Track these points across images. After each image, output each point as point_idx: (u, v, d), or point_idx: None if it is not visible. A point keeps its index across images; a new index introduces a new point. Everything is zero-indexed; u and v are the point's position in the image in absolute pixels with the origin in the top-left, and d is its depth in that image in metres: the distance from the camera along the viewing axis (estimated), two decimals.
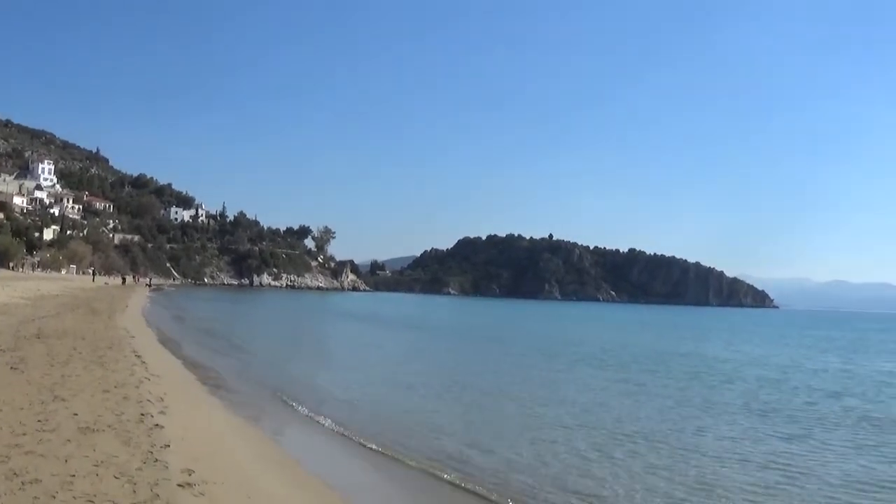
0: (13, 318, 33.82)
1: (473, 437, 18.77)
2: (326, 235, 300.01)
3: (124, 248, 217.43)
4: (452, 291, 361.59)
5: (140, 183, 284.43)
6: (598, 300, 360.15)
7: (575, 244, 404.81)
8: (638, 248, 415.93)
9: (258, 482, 11.86)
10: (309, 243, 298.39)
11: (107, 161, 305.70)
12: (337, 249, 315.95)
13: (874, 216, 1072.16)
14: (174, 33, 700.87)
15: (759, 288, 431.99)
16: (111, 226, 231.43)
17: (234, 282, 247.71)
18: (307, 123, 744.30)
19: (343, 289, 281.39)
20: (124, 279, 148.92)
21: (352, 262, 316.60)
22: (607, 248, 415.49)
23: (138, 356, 23.98)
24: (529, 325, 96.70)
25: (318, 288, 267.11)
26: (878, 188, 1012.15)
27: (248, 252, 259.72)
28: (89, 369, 19.11)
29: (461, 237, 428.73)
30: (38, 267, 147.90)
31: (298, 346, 48.44)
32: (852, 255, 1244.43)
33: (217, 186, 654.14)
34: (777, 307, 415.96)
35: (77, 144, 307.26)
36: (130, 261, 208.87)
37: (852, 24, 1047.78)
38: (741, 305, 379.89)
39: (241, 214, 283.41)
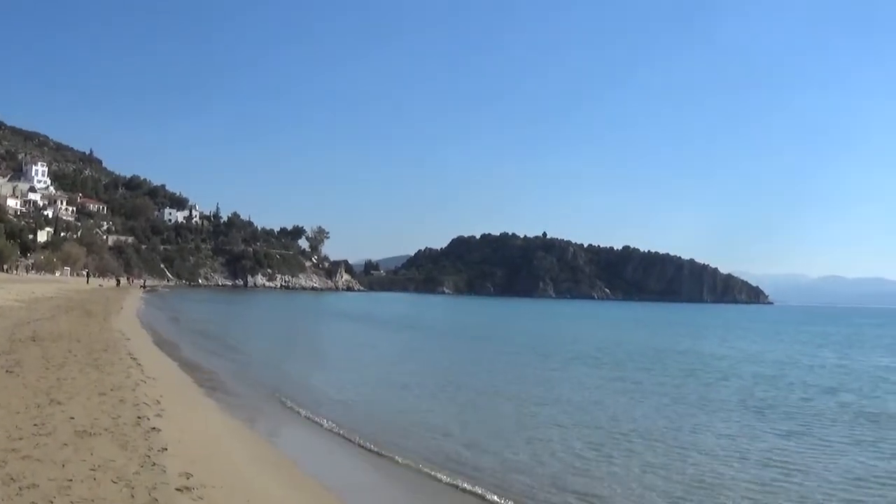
0: (8, 320, 33.75)
1: (470, 437, 18.76)
2: (320, 236, 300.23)
3: (118, 250, 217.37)
4: (447, 290, 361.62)
5: (134, 184, 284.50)
6: (592, 298, 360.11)
7: (569, 242, 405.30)
8: (632, 246, 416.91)
9: (256, 485, 11.83)
10: (303, 243, 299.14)
11: (100, 163, 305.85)
12: (331, 249, 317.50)
13: (868, 211, 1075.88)
14: (167, 35, 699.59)
15: (754, 284, 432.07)
16: (105, 227, 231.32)
17: (229, 283, 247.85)
18: (300, 124, 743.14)
19: (337, 289, 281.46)
20: (118, 281, 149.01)
21: (346, 262, 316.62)
22: (601, 245, 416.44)
23: (134, 358, 23.97)
24: (524, 324, 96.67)
25: (313, 288, 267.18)
26: (872, 182, 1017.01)
27: (243, 253, 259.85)
28: (85, 372, 19.08)
29: (455, 236, 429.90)
30: (32, 269, 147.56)
31: (293, 347, 48.42)
32: (847, 250, 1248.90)
33: (211, 187, 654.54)
34: (772, 303, 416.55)
35: (70, 146, 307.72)
36: (124, 262, 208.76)
37: (844, 17, 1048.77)
38: (735, 302, 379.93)
39: (235, 215, 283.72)
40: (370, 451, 16.75)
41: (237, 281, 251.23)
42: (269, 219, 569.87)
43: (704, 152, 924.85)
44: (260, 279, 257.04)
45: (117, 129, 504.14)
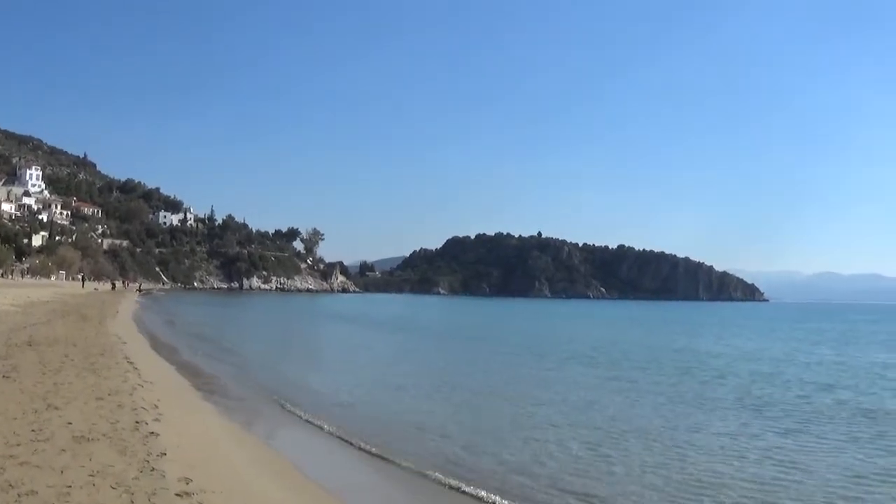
0: (3, 325, 33.73)
1: (468, 438, 18.75)
2: (315, 237, 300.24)
3: (113, 254, 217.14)
4: (442, 291, 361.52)
5: (128, 188, 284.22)
6: (587, 297, 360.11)
7: (564, 241, 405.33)
8: (627, 245, 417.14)
9: (256, 488, 11.82)
10: (298, 245, 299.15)
11: (94, 166, 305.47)
12: (326, 251, 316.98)
13: (864, 208, 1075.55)
14: (164, 35, 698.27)
15: (749, 282, 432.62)
16: (100, 231, 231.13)
17: (224, 285, 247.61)
18: (294, 126, 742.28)
19: (333, 290, 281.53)
20: (114, 284, 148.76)
21: (341, 263, 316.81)
22: (596, 244, 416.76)
23: (131, 362, 23.93)
24: (519, 324, 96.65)
25: (308, 290, 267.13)
26: (867, 179, 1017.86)
27: (237, 255, 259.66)
28: (82, 377, 19.06)
29: (450, 237, 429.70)
30: (27, 273, 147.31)
31: (290, 350, 48.39)
32: (841, 247, 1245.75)
33: (205, 190, 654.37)
34: (767, 300, 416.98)
35: (64, 150, 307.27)
36: (119, 266, 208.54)
37: (842, 16, 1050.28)
38: (731, 299, 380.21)
39: (230, 217, 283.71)
40: (369, 452, 16.73)
41: (232, 283, 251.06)
42: (263, 221, 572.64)
43: (699, 152, 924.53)
44: (255, 282, 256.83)
45: (112, 131, 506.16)
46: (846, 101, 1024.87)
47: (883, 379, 35.98)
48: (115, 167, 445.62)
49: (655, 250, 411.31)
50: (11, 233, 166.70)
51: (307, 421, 20.29)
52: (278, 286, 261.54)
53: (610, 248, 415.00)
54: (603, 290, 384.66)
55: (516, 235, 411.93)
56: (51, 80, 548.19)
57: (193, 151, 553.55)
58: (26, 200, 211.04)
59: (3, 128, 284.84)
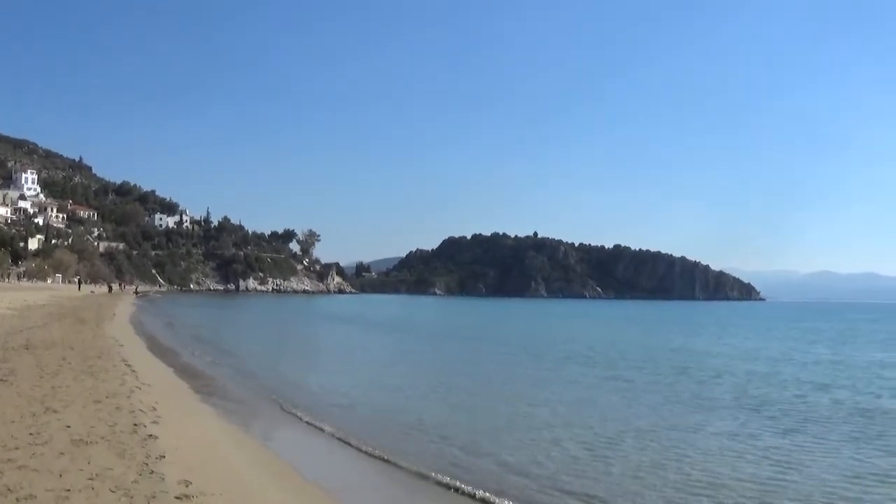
0: (0, 329, 33.69)
1: (466, 439, 18.73)
2: (311, 238, 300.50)
3: (109, 256, 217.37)
4: (438, 291, 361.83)
5: (124, 190, 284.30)
6: (584, 297, 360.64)
7: (560, 241, 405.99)
8: (623, 244, 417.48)
9: (256, 491, 11.79)
10: (294, 247, 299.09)
11: (90, 169, 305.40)
12: (322, 252, 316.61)
13: (860, 207, 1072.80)
14: (161, 36, 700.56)
15: (745, 281, 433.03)
16: (96, 234, 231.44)
17: (220, 287, 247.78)
18: (294, 126, 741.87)
19: (329, 292, 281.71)
20: (110, 287, 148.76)
21: (337, 264, 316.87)
22: (592, 244, 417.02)
23: (128, 365, 23.93)
24: (516, 324, 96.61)
25: (304, 291, 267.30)
26: (864, 179, 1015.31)
27: (234, 257, 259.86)
28: (80, 380, 19.04)
29: (446, 237, 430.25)
30: (23, 277, 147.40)
31: (287, 351, 48.40)
32: (838, 247, 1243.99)
33: (201, 191, 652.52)
34: (764, 300, 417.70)
35: (60, 153, 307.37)
36: (116, 268, 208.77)
37: (841, 15, 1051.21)
38: (727, 299, 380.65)
39: (226, 219, 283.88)
40: (368, 453, 16.72)
41: (229, 285, 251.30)
42: (259, 222, 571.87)
43: (699, 151, 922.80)
44: (251, 283, 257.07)
45: (107, 134, 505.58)
46: (846, 101, 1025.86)
47: (880, 378, 35.94)
48: (110, 170, 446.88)
49: (652, 250, 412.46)
50: (7, 236, 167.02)
51: (306, 422, 20.28)
52: (274, 288, 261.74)
53: (606, 247, 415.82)
54: (599, 289, 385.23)
55: (512, 236, 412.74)
56: (46, 84, 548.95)
57: (191, 152, 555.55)
58: (22, 204, 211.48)
59: None
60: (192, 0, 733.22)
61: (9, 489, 9.16)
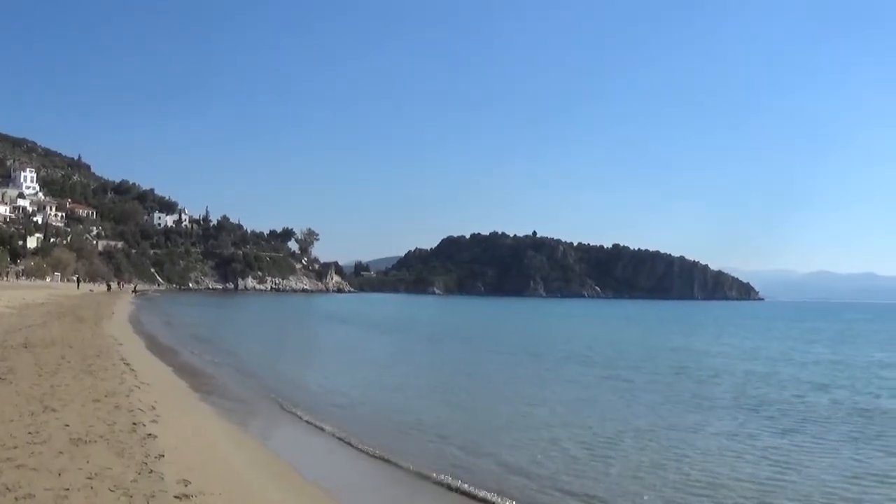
0: None
1: (466, 439, 18.71)
2: (310, 237, 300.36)
3: (108, 255, 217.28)
4: (437, 291, 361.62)
5: (122, 189, 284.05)
6: (583, 296, 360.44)
7: (559, 241, 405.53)
8: (622, 244, 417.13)
9: (255, 491, 11.77)
10: (293, 245, 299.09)
11: (89, 168, 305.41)
12: (321, 251, 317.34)
13: (859, 207, 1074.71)
14: (160, 36, 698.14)
15: (744, 281, 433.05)
16: (94, 232, 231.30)
17: (219, 286, 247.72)
18: (289, 127, 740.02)
19: (328, 291, 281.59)
20: (109, 286, 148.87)
21: (336, 263, 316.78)
22: (591, 243, 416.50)
23: (127, 364, 23.89)
24: (515, 324, 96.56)
25: (303, 290, 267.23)
26: (862, 179, 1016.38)
27: (232, 256, 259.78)
28: (78, 378, 19.02)
29: (445, 236, 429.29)
30: (22, 275, 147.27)
31: (286, 350, 48.40)
32: (837, 246, 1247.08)
33: (200, 190, 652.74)
34: (762, 299, 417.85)
35: (59, 152, 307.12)
36: (114, 267, 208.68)
37: (841, 15, 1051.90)
38: (726, 298, 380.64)
39: (225, 218, 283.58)
40: (368, 453, 16.70)
41: (227, 284, 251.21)
42: (258, 221, 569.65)
43: (699, 150, 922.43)
44: (250, 282, 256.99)
45: (106, 133, 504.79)
46: (846, 101, 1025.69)
47: (879, 378, 35.95)
48: (109, 169, 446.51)
49: (650, 249, 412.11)
50: (6, 235, 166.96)
51: (305, 421, 20.27)
52: (273, 286, 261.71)
53: (605, 247, 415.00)
54: (598, 289, 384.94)
55: (511, 235, 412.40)
56: (45, 82, 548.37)
57: (190, 152, 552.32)
58: (21, 202, 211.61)
59: None
60: (192, 0, 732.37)
61: (8, 488, 9.14)
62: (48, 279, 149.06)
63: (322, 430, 19.12)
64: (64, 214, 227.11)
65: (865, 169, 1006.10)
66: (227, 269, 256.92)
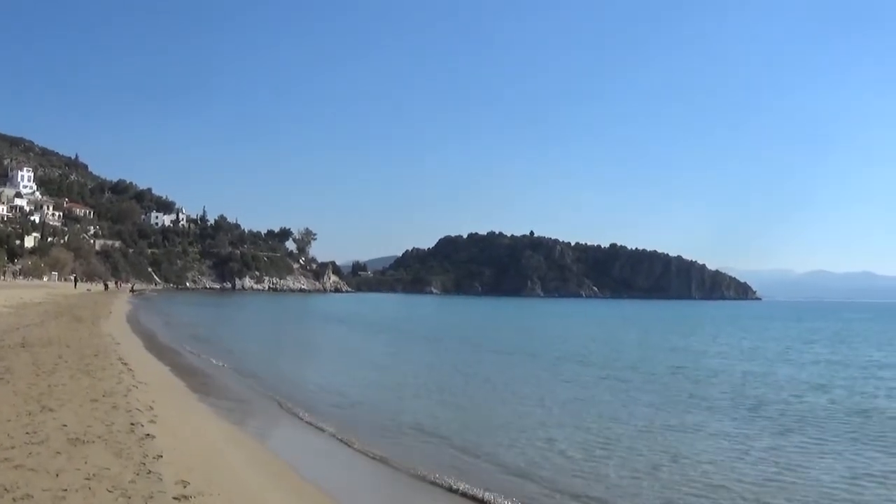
0: None
1: (465, 439, 18.72)
2: (307, 237, 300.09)
3: (105, 254, 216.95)
4: (434, 290, 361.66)
5: (120, 188, 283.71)
6: (580, 296, 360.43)
7: (556, 240, 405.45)
8: (619, 244, 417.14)
9: (254, 491, 11.75)
10: (290, 245, 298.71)
11: (86, 167, 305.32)
12: (318, 251, 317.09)
13: (856, 207, 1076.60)
14: (159, 35, 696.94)
15: (742, 280, 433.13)
16: (92, 232, 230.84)
17: (216, 285, 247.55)
18: (287, 126, 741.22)
19: (325, 290, 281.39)
20: (106, 285, 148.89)
21: (333, 263, 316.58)
22: (589, 243, 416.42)
23: (125, 363, 23.84)
24: (512, 324, 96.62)
25: (301, 290, 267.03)
26: (860, 179, 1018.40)
27: (230, 255, 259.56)
28: (76, 378, 18.97)
29: (442, 236, 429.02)
30: (19, 275, 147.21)
31: (284, 350, 48.37)
32: (834, 246, 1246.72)
33: (197, 190, 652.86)
34: (760, 299, 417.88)
35: (56, 151, 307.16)
36: (112, 267, 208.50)
37: (841, 15, 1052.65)
38: (724, 298, 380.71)
39: (222, 218, 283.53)
40: (366, 454, 16.68)
41: (225, 284, 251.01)
42: (255, 221, 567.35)
43: (698, 150, 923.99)
44: (248, 282, 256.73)
45: (104, 133, 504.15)
46: (845, 101, 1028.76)
47: (876, 378, 35.96)
48: (106, 168, 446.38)
49: (648, 249, 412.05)
50: (3, 234, 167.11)
51: (304, 422, 20.27)
52: (271, 286, 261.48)
53: (602, 247, 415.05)
54: (595, 289, 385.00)
55: (508, 235, 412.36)
56: (42, 81, 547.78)
57: (188, 152, 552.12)
58: (18, 202, 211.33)
59: None
60: (191, 0, 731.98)
61: (5, 489, 9.10)
62: (45, 278, 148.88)
63: (321, 430, 19.12)
64: (61, 214, 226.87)
65: (865, 169, 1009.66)
66: (225, 269, 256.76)
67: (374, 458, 16.33)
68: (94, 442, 12.03)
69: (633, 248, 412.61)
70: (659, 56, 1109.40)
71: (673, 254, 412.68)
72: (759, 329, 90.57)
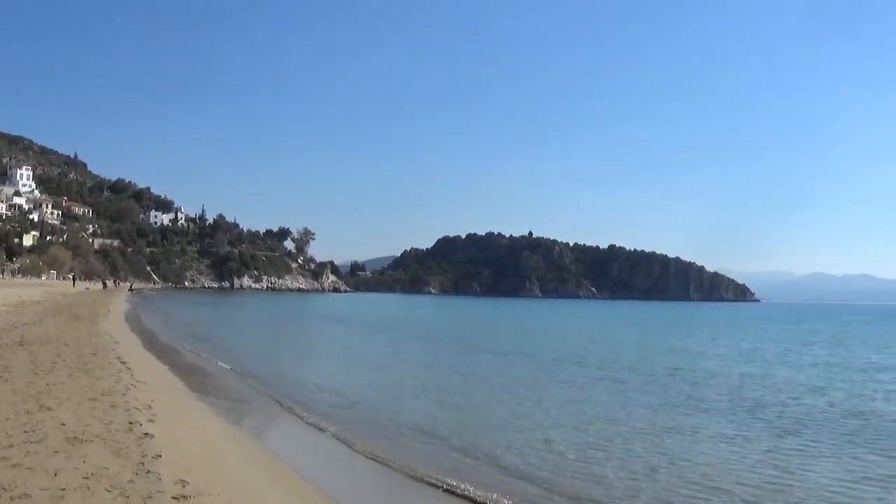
0: None
1: (464, 440, 18.70)
2: (306, 237, 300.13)
3: (104, 253, 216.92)
4: (433, 291, 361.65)
5: (119, 187, 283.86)
6: (578, 297, 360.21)
7: (555, 241, 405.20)
8: (618, 245, 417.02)
9: (253, 491, 11.73)
10: (289, 245, 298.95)
11: (85, 166, 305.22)
12: (317, 251, 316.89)
13: (855, 208, 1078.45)
14: (158, 35, 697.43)
15: (740, 282, 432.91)
16: (91, 231, 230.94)
17: (215, 285, 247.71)
18: (285, 126, 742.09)
19: (324, 290, 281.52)
20: (105, 284, 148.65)
21: (332, 263, 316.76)
22: (587, 244, 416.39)
23: (123, 362, 23.83)
24: (510, 324, 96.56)
25: (299, 290, 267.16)
26: (859, 180, 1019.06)
27: (228, 255, 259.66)
28: (74, 377, 18.95)
29: (441, 236, 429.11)
30: (18, 273, 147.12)
31: (283, 350, 48.25)
32: (833, 248, 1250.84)
33: (196, 189, 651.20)
34: (758, 301, 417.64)
35: (55, 150, 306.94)
36: (110, 265, 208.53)
37: (841, 15, 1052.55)
38: (722, 300, 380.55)
39: (221, 217, 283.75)
40: (365, 454, 16.67)
41: (223, 283, 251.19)
42: (254, 220, 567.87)
43: (698, 151, 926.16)
44: (246, 281, 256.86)
45: (103, 132, 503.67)
46: (845, 101, 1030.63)
47: (875, 381, 35.94)
48: (105, 167, 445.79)
49: (646, 250, 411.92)
50: (2, 233, 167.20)
51: (304, 421, 20.26)
52: (269, 286, 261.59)
53: (601, 247, 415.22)
54: (594, 289, 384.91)
55: (507, 235, 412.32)
56: (41, 80, 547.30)
57: (187, 151, 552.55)
58: (17, 200, 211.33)
59: None
60: (191, 0, 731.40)
61: (3, 488, 9.08)
62: (44, 277, 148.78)
63: (320, 430, 19.11)
64: (60, 212, 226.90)
65: (865, 169, 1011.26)
66: (223, 268, 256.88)
67: (373, 459, 16.31)
68: (92, 441, 12.01)
69: (632, 249, 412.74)
70: (659, 56, 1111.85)
71: (672, 255, 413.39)
72: (758, 331, 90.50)
